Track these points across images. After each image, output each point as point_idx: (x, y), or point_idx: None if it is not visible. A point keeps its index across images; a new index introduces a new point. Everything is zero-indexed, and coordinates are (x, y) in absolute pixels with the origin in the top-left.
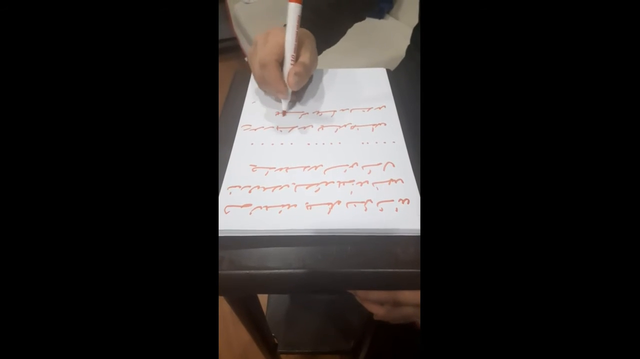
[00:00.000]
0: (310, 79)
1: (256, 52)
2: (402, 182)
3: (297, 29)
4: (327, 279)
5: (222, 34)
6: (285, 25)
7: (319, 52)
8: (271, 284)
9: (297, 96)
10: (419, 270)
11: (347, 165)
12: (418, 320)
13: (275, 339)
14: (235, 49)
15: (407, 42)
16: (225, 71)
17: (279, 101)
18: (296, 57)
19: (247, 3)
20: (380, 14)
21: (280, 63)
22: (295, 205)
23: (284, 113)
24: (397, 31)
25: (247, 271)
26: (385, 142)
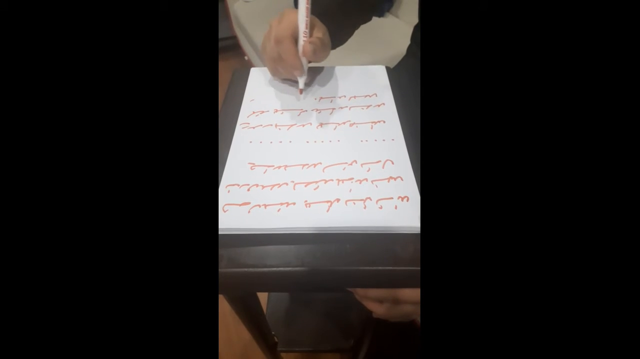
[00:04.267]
0: (321, 71)
1: (271, 32)
2: (402, 179)
3: (309, 4)
4: (326, 277)
5: (221, 33)
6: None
7: None
8: (270, 282)
9: (296, 93)
10: (419, 268)
11: (346, 163)
12: (418, 318)
13: (275, 338)
14: (235, 47)
15: (407, 40)
16: (224, 70)
17: (296, 80)
18: (310, 35)
19: (246, 2)
20: (380, 13)
21: (295, 39)
22: (294, 203)
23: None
24: (397, 30)
25: (246, 269)
26: (384, 140)
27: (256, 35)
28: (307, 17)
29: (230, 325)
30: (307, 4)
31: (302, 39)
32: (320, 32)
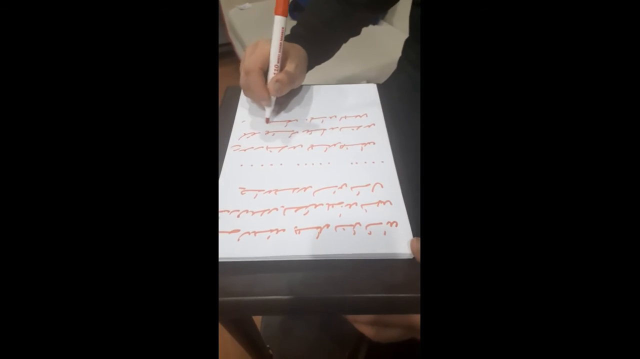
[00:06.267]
0: (297, 91)
1: (244, 60)
2: (391, 204)
3: (282, 40)
4: (315, 305)
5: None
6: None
7: (311, 67)
8: (259, 309)
9: (287, 113)
10: (408, 294)
11: (336, 186)
12: (417, 336)
13: (270, 351)
14: (230, 54)
15: (400, 50)
16: (220, 76)
17: (264, 109)
18: (281, 68)
19: (241, 9)
20: (374, 20)
21: (265, 71)
22: (284, 229)
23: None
24: (391, 37)
25: (235, 298)
26: (374, 162)
27: (251, 42)
28: (279, 51)
29: (226, 336)
30: (281, 39)
31: (272, 73)
32: (294, 63)
